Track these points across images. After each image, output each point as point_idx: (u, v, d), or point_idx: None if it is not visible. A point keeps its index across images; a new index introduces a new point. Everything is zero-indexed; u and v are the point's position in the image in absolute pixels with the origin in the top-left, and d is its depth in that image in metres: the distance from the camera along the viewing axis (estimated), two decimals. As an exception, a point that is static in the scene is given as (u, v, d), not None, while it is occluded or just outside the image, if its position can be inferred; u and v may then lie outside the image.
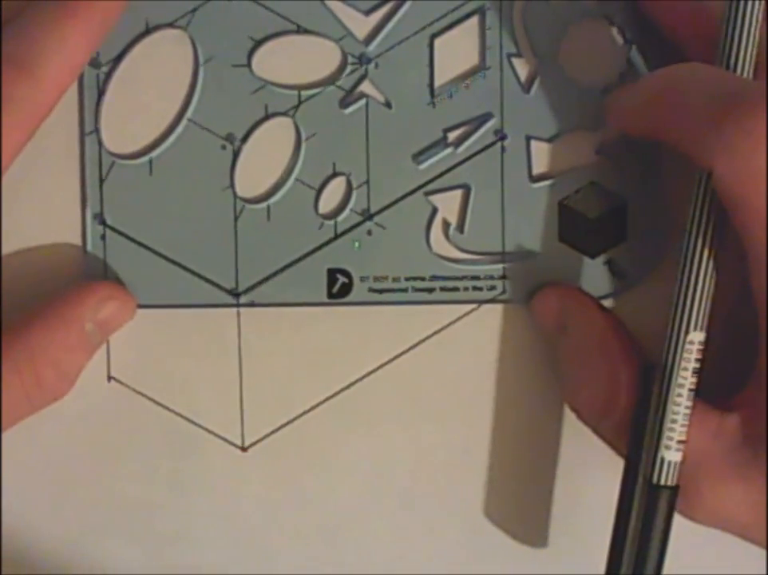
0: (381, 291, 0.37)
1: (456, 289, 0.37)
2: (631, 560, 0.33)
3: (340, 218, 0.36)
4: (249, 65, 0.36)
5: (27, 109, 0.33)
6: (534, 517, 0.38)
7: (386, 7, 0.36)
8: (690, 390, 0.33)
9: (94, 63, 0.36)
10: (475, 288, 0.37)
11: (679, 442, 0.33)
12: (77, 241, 0.36)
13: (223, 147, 0.36)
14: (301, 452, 0.37)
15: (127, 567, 0.37)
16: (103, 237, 0.36)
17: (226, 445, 0.37)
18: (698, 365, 0.33)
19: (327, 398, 0.37)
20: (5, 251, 0.36)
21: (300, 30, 0.36)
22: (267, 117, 0.36)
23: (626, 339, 0.35)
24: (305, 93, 0.36)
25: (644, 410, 0.34)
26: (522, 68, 0.36)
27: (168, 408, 0.37)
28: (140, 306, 0.36)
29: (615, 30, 0.36)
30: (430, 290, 0.37)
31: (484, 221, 0.37)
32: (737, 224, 0.32)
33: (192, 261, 0.36)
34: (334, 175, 0.36)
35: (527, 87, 0.36)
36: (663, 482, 0.33)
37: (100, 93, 0.36)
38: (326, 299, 0.37)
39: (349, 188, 0.36)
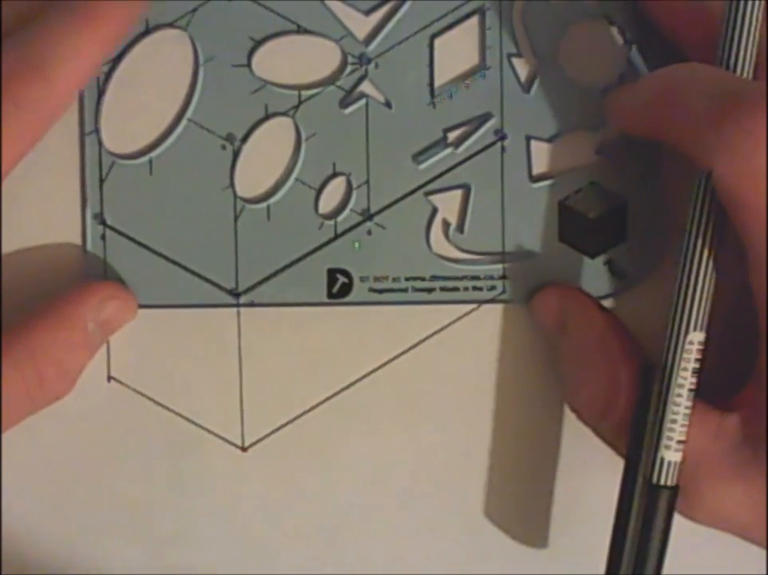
0: (381, 291, 0.37)
1: (456, 289, 0.37)
2: (631, 560, 0.33)
3: (340, 218, 0.36)
4: (249, 65, 0.36)
5: (39, 110, 0.33)
6: (534, 517, 0.38)
7: (386, 7, 0.36)
8: (690, 390, 0.33)
9: (94, 63, 0.36)
10: (475, 288, 0.37)
11: (679, 442, 0.33)
12: (77, 241, 0.36)
13: (223, 147, 0.36)
14: (301, 452, 0.37)
15: (127, 567, 0.37)
16: (103, 237, 0.36)
17: (226, 445, 0.37)
18: (698, 365, 0.33)
19: (327, 398, 0.37)
20: (5, 251, 0.36)
21: (300, 30, 0.36)
22: (267, 117, 0.36)
23: (626, 339, 0.35)
24: (305, 93, 0.36)
25: (644, 410, 0.34)
26: (522, 68, 0.36)
27: (168, 408, 0.37)
28: (140, 306, 0.36)
29: (615, 30, 0.36)
30: (430, 290, 0.37)
31: (484, 221, 0.37)
32: (737, 224, 0.32)
33: (191, 261, 0.36)
34: (334, 175, 0.36)
35: (527, 87, 0.36)
36: (662, 482, 0.33)
37: (100, 93, 0.36)
38: (326, 299, 0.37)
39: (349, 188, 0.36)
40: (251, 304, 0.37)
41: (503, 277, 0.37)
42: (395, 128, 0.36)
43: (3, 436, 0.35)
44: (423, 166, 0.36)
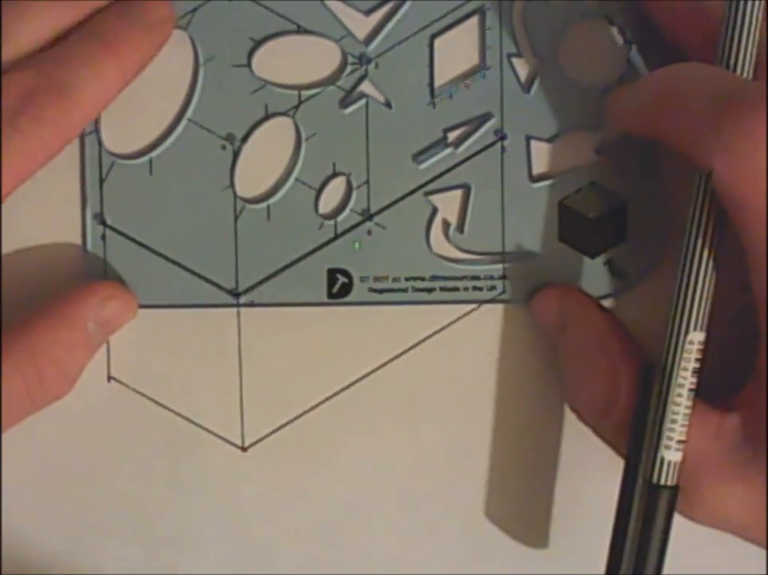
0: (381, 291, 0.37)
1: (456, 289, 0.37)
2: (631, 560, 0.33)
3: (340, 218, 0.37)
4: (249, 65, 0.36)
5: (58, 129, 0.34)
6: (534, 517, 0.38)
7: (386, 7, 0.36)
8: (690, 389, 0.33)
9: (94, 63, 0.36)
10: (475, 288, 0.37)
11: (679, 441, 0.33)
12: (77, 241, 0.36)
13: (223, 147, 0.36)
14: (301, 452, 0.37)
15: (127, 567, 0.37)
16: (103, 237, 0.36)
17: (226, 445, 0.37)
18: (698, 365, 0.33)
19: (327, 398, 0.37)
20: (5, 251, 0.36)
21: (300, 30, 0.36)
22: (267, 117, 0.36)
23: (626, 339, 0.35)
24: (305, 93, 0.36)
25: (644, 410, 0.34)
26: (522, 68, 0.36)
27: (168, 408, 0.37)
28: (141, 306, 0.36)
29: (615, 30, 0.36)
30: (430, 290, 0.37)
31: (484, 221, 0.37)
32: (736, 224, 0.32)
33: (192, 261, 0.36)
34: (334, 175, 0.36)
35: (527, 87, 0.36)
36: (663, 482, 0.33)
37: (101, 93, 0.36)
38: (326, 299, 0.37)
39: (349, 188, 0.36)
40: (251, 304, 0.37)
41: (503, 277, 0.37)
42: (395, 128, 0.36)
43: (3, 436, 0.35)
44: (423, 166, 0.36)
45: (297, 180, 0.36)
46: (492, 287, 0.37)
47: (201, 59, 0.36)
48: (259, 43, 0.36)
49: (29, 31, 0.34)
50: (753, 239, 0.31)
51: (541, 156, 0.36)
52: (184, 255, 0.36)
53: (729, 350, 0.35)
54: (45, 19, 0.34)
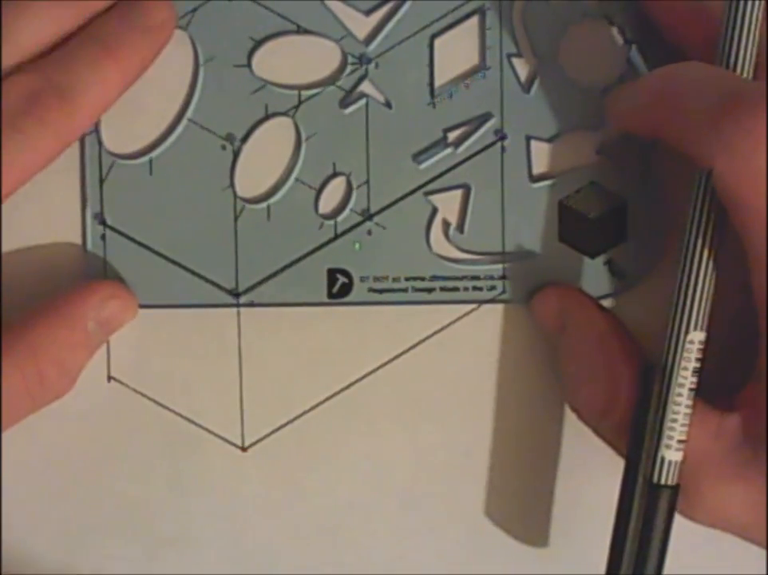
0: (381, 291, 0.37)
1: (456, 289, 0.37)
2: (631, 560, 0.33)
3: (340, 218, 0.37)
4: (249, 65, 0.36)
5: (60, 131, 0.34)
6: (534, 517, 0.38)
7: (386, 7, 0.36)
8: (691, 389, 0.33)
9: (94, 63, 0.36)
10: (475, 288, 0.37)
11: (680, 441, 0.33)
12: (77, 241, 0.36)
13: (223, 147, 0.36)
14: (301, 452, 0.37)
15: (127, 567, 0.37)
16: (103, 237, 0.36)
17: (226, 445, 0.37)
18: (698, 364, 0.33)
19: (327, 398, 0.37)
20: (5, 251, 0.36)
21: (300, 30, 0.36)
22: (267, 117, 0.36)
23: (626, 339, 0.35)
24: (305, 93, 0.36)
25: (644, 410, 0.34)
26: (522, 68, 0.36)
27: (168, 408, 0.37)
28: (141, 306, 0.36)
29: (615, 30, 0.36)
30: (430, 290, 0.37)
31: (484, 221, 0.37)
32: (736, 224, 0.32)
33: (192, 261, 0.36)
34: (334, 175, 0.36)
35: (527, 87, 0.36)
36: (663, 482, 0.33)
37: (101, 93, 0.36)
38: (326, 299, 0.37)
39: (349, 188, 0.36)
40: (251, 304, 0.37)
41: (503, 277, 0.37)
42: (395, 128, 0.36)
43: (3, 436, 0.35)
44: (423, 166, 0.36)
45: (297, 180, 0.36)
46: (492, 287, 0.37)
47: (201, 59, 0.36)
48: (259, 43, 0.36)
49: (30, 32, 0.34)
50: (753, 238, 0.31)
51: (541, 156, 0.36)
52: (184, 255, 0.36)
53: (729, 349, 0.35)
54: (46, 20, 0.34)
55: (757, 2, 0.32)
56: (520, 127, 0.36)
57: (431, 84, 0.36)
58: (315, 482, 0.37)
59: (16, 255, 0.36)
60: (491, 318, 0.37)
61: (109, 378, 0.37)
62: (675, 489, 0.33)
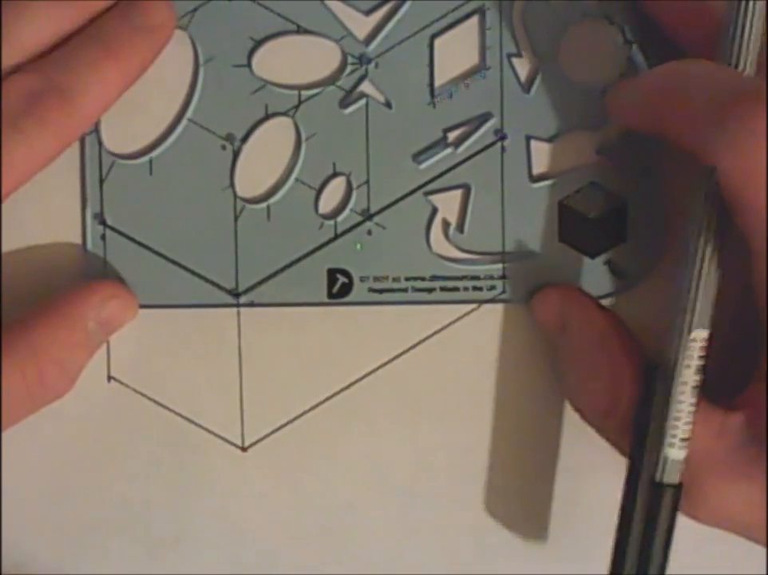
0: (381, 291, 0.37)
1: (456, 289, 0.37)
2: (634, 559, 0.33)
3: (340, 218, 0.37)
4: (249, 65, 0.36)
5: (60, 131, 0.34)
6: (534, 516, 0.37)
7: (386, 7, 0.36)
8: (694, 387, 0.33)
9: (94, 63, 0.36)
10: (475, 288, 0.37)
11: (683, 439, 0.33)
12: (77, 241, 0.36)
13: (223, 147, 0.36)
14: (301, 452, 0.37)
15: (127, 567, 0.37)
16: (103, 237, 0.36)
17: (226, 445, 0.37)
18: (701, 362, 0.33)
19: (327, 398, 0.37)
20: (5, 251, 0.36)
21: (300, 30, 0.36)
22: (267, 117, 0.36)
23: (627, 338, 0.35)
24: (305, 93, 0.36)
25: (647, 409, 0.33)
26: (522, 68, 0.36)
27: (168, 408, 0.37)
28: (141, 306, 0.36)
29: (615, 30, 0.36)
30: (430, 290, 0.37)
31: (484, 221, 0.37)
32: (739, 222, 0.32)
33: (192, 261, 0.36)
34: (334, 175, 0.36)
35: (527, 87, 0.36)
36: (666, 481, 0.33)
37: (101, 93, 0.36)
38: (326, 299, 0.37)
39: (349, 188, 0.36)
40: (251, 304, 0.37)
41: (503, 277, 0.37)
42: (395, 128, 0.36)
43: (3, 436, 0.35)
44: (423, 166, 0.36)
45: (297, 180, 0.36)
46: (492, 287, 0.37)
47: (201, 59, 0.36)
48: (259, 43, 0.36)
49: (30, 32, 0.34)
50: (755, 237, 0.31)
51: (541, 156, 0.36)
52: (184, 255, 0.36)
53: (732, 348, 0.35)
54: (46, 20, 0.34)
55: (759, 1, 0.32)
56: (520, 127, 0.36)
57: (431, 84, 0.36)
58: (315, 482, 0.37)
59: (16, 255, 0.36)
60: (491, 318, 0.37)
61: (109, 378, 0.37)
62: (679, 487, 0.33)
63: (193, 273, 0.36)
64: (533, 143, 0.36)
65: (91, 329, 0.35)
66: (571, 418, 0.37)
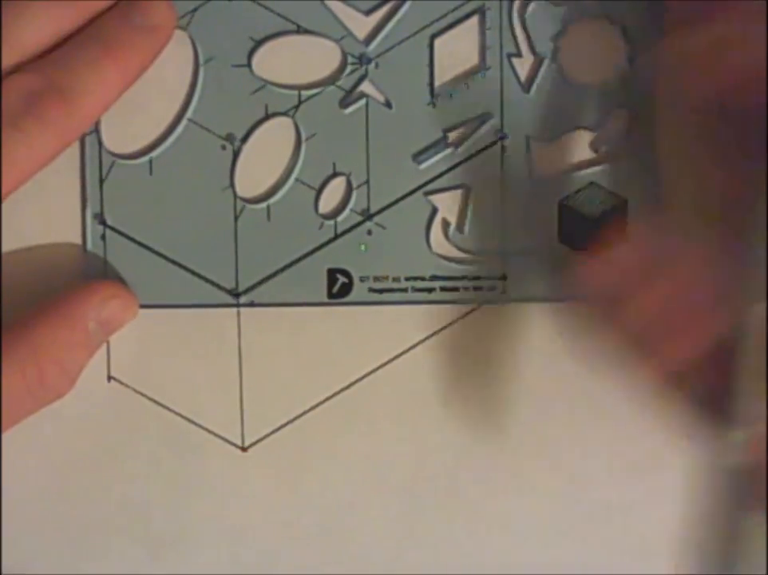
0: (381, 291, 0.37)
1: (456, 289, 0.37)
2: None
3: (340, 218, 0.37)
4: (249, 65, 0.36)
5: (60, 131, 0.34)
6: (535, 516, 0.37)
7: (386, 7, 0.36)
8: None
9: (94, 63, 0.36)
10: (475, 288, 0.37)
11: None
12: (77, 241, 0.36)
13: (223, 147, 0.36)
14: (301, 452, 0.37)
15: (127, 567, 0.37)
16: (103, 237, 0.36)
17: (226, 445, 0.37)
18: None
19: (327, 398, 0.37)
20: (5, 251, 0.36)
21: (300, 30, 0.36)
22: (267, 117, 0.36)
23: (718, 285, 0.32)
24: (305, 93, 0.36)
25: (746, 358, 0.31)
26: (522, 68, 0.36)
27: (168, 408, 0.37)
28: (141, 306, 0.36)
29: (615, 30, 0.36)
30: (430, 290, 0.37)
31: (484, 221, 0.37)
32: None
33: (192, 261, 0.36)
34: (334, 175, 0.36)
35: (527, 87, 0.36)
36: None
37: (101, 93, 0.36)
38: (326, 299, 0.37)
39: (349, 188, 0.36)
40: (251, 304, 0.37)
41: (503, 277, 0.37)
42: (395, 128, 0.36)
43: (3, 436, 0.35)
44: (423, 166, 0.36)
45: (297, 180, 0.36)
46: (492, 287, 0.37)
47: (201, 59, 0.36)
48: (259, 43, 0.36)
49: (30, 32, 0.34)
50: None
51: (541, 156, 0.36)
52: (184, 255, 0.36)
53: None
54: (46, 20, 0.34)
55: None
56: (520, 127, 0.36)
57: (431, 84, 0.36)
58: (315, 482, 0.37)
59: (16, 255, 0.36)
60: (491, 318, 0.37)
61: (109, 378, 0.37)
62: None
63: (193, 273, 0.36)
64: (533, 143, 0.36)
65: (91, 329, 0.35)
66: (571, 419, 0.37)
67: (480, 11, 0.36)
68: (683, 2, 0.33)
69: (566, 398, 0.37)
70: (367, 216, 0.36)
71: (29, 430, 0.36)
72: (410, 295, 0.37)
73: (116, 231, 0.36)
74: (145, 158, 0.36)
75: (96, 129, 0.36)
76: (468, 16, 0.36)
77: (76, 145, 0.36)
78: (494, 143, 0.36)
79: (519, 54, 0.36)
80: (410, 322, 0.37)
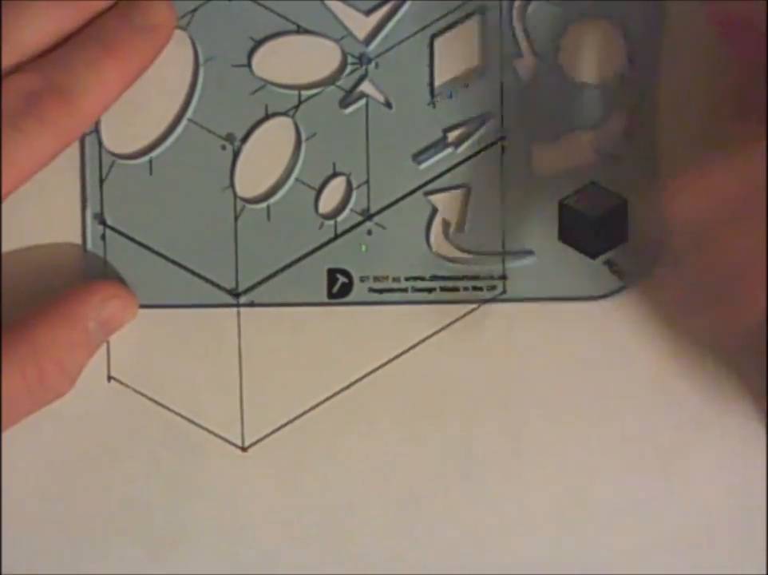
0: (381, 291, 0.37)
1: (456, 289, 0.37)
2: None
3: (340, 218, 0.37)
4: (249, 65, 0.36)
5: (60, 131, 0.34)
6: (535, 516, 0.37)
7: (386, 7, 0.36)
8: None
9: (94, 63, 0.36)
10: (475, 288, 0.37)
11: None
12: (77, 241, 0.36)
13: (223, 147, 0.36)
14: (301, 452, 0.37)
15: (127, 567, 0.37)
16: (103, 237, 0.36)
17: (226, 445, 0.37)
18: None
19: (327, 398, 0.37)
20: (5, 251, 0.36)
21: (300, 30, 0.36)
22: (267, 117, 0.36)
23: None
24: (305, 93, 0.36)
25: None
26: (522, 68, 0.36)
27: (168, 408, 0.37)
28: (141, 306, 0.36)
29: (615, 30, 0.36)
30: (430, 290, 0.37)
31: (484, 221, 0.37)
32: None
33: (192, 261, 0.36)
34: (334, 175, 0.36)
35: (527, 87, 0.36)
36: None
37: (101, 93, 0.36)
38: (326, 299, 0.37)
39: (349, 188, 0.36)
40: (251, 304, 0.37)
41: (503, 277, 0.37)
42: (395, 128, 0.36)
43: (3, 436, 0.35)
44: (423, 166, 0.36)
45: (297, 180, 0.36)
46: (492, 287, 0.37)
47: (201, 59, 0.36)
48: (259, 43, 0.36)
49: (30, 32, 0.34)
50: None
51: (541, 156, 0.36)
52: (184, 255, 0.36)
53: None
54: (46, 20, 0.34)
55: None
56: (520, 127, 0.36)
57: (431, 84, 0.36)
58: (315, 482, 0.37)
59: (16, 255, 0.36)
60: (491, 318, 0.37)
61: (109, 378, 0.37)
62: None
63: (193, 273, 0.36)
64: (533, 143, 0.36)
65: (91, 329, 0.35)
66: (571, 419, 0.37)
67: (480, 11, 0.36)
68: None
69: (566, 398, 0.37)
70: (367, 216, 0.36)
71: (29, 430, 0.36)
72: (410, 295, 0.37)
73: (116, 231, 0.36)
74: (145, 158, 0.36)
75: (97, 129, 0.36)
76: (468, 16, 0.36)
77: (76, 145, 0.36)
78: (494, 143, 0.36)
79: (519, 54, 0.36)
80: (410, 322, 0.37)
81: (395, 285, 0.37)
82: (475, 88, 0.36)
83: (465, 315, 0.37)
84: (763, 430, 0.36)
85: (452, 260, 0.37)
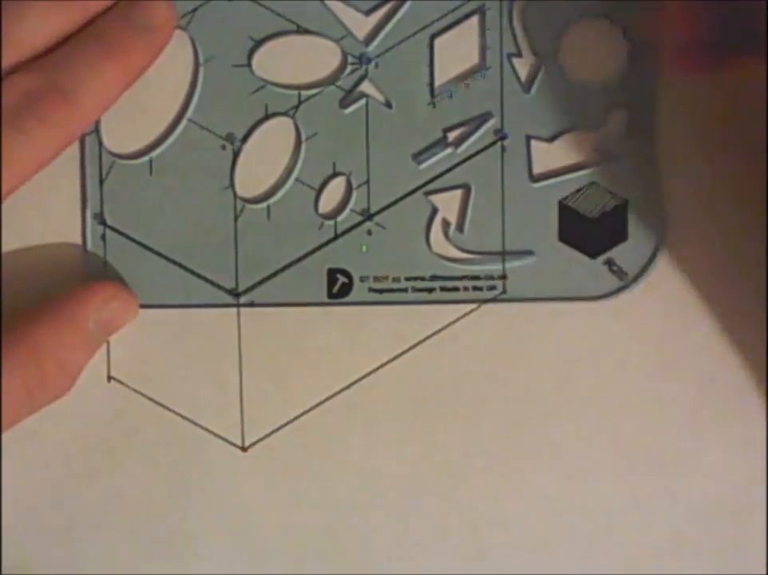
0: (381, 291, 0.37)
1: (456, 289, 0.37)
2: None
3: (340, 218, 0.37)
4: (249, 65, 0.36)
5: (61, 130, 0.34)
6: (535, 515, 0.37)
7: (386, 7, 0.36)
8: None
9: (94, 63, 0.36)
10: (475, 288, 0.37)
11: None
12: (77, 241, 0.36)
13: (223, 147, 0.36)
14: (301, 452, 0.37)
15: (127, 567, 0.37)
16: (103, 237, 0.36)
17: (226, 445, 0.37)
18: None
19: (327, 398, 0.37)
20: (5, 251, 0.36)
21: (300, 30, 0.36)
22: (267, 117, 0.36)
23: None
24: (305, 93, 0.36)
25: None
26: (522, 68, 0.36)
27: (168, 408, 0.37)
28: (141, 306, 0.36)
29: (615, 30, 0.36)
30: (430, 290, 0.37)
31: (484, 221, 0.37)
32: None
33: (192, 261, 0.36)
34: (334, 175, 0.36)
35: (527, 87, 0.36)
36: None
37: (101, 93, 0.36)
38: (326, 299, 0.37)
39: (349, 188, 0.36)
40: (251, 304, 0.37)
41: (503, 277, 0.37)
42: (395, 128, 0.36)
43: (3, 436, 0.35)
44: (423, 166, 0.36)
45: (297, 180, 0.36)
46: (492, 287, 0.37)
47: (201, 59, 0.36)
48: (259, 43, 0.36)
49: (30, 32, 0.34)
50: None
51: (541, 156, 0.36)
52: (184, 255, 0.36)
53: None
54: (46, 20, 0.34)
55: None
56: (520, 127, 0.36)
57: (431, 84, 0.36)
58: (315, 482, 0.37)
59: (16, 255, 0.36)
60: (491, 318, 0.37)
61: (109, 378, 0.37)
62: None
63: (193, 273, 0.36)
64: (533, 143, 0.36)
65: (91, 329, 0.35)
66: (571, 419, 0.37)
67: (480, 11, 0.36)
68: None
69: (566, 398, 0.37)
70: (367, 216, 0.36)
71: (29, 430, 0.36)
72: (410, 295, 0.37)
73: (116, 231, 0.36)
74: (145, 158, 0.36)
75: (97, 129, 0.36)
76: (468, 16, 0.36)
77: (76, 145, 0.36)
78: (494, 143, 0.36)
79: (519, 54, 0.36)
80: (410, 322, 0.37)
81: (395, 285, 0.37)
82: (475, 88, 0.36)
83: (465, 315, 0.37)
84: (763, 431, 0.36)
85: (452, 260, 0.37)
